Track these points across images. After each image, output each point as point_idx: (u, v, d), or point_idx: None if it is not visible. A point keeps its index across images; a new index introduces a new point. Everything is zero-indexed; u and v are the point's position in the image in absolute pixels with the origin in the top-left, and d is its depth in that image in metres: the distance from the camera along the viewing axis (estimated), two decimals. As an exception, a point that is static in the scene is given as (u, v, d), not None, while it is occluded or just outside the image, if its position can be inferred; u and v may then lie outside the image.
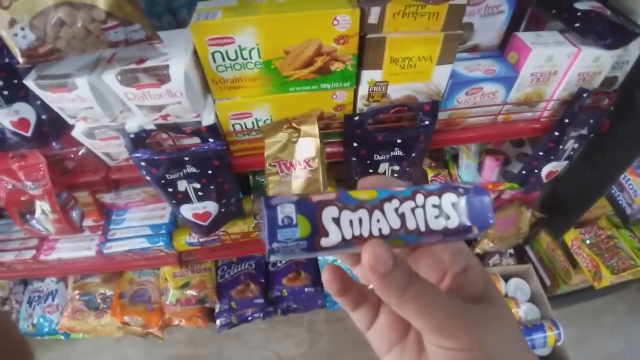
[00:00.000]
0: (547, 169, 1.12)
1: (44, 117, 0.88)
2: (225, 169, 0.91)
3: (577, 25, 0.88)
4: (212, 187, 0.93)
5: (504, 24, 0.93)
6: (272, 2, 0.72)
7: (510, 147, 1.35)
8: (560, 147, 1.05)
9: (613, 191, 1.43)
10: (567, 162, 1.12)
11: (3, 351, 0.41)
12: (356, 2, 0.70)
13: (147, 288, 1.47)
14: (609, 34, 0.85)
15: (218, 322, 1.46)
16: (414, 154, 0.93)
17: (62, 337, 1.58)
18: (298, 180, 0.89)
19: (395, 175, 0.98)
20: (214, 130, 0.83)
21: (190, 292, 1.40)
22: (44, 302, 1.58)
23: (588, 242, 1.46)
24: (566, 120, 0.99)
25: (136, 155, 0.86)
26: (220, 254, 1.30)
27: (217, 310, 1.45)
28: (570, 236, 1.47)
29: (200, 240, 1.24)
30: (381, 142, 0.90)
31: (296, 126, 0.84)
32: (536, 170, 1.13)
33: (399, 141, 0.90)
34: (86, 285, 1.50)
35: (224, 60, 0.74)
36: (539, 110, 1.01)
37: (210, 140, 0.85)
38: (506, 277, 1.48)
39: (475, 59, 0.94)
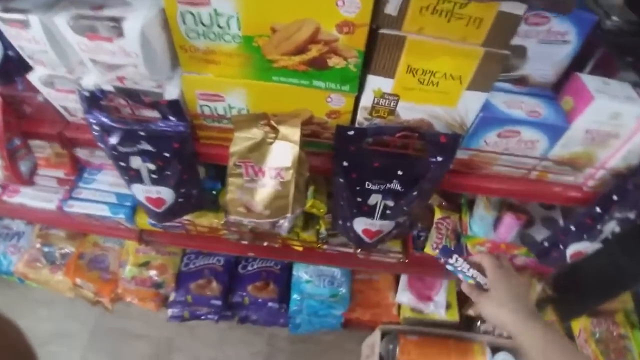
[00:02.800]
0: (575, 248, 0.89)
1: (10, 52, 0.74)
2: (186, 155, 0.73)
3: (656, 82, 0.65)
4: (168, 172, 0.75)
5: (567, 58, 0.70)
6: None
7: (537, 208, 1.10)
8: (598, 226, 0.82)
9: (644, 287, 1.17)
10: (599, 244, 0.88)
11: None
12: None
13: (109, 255, 1.33)
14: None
15: (170, 311, 1.30)
16: (415, 193, 0.72)
17: (17, 281, 1.46)
18: (264, 190, 0.70)
19: (388, 212, 0.77)
20: (177, 107, 0.66)
21: (149, 273, 1.24)
22: (9, 241, 1.46)
23: (597, 336, 1.20)
24: (614, 197, 0.76)
25: (89, 116, 0.70)
26: (183, 242, 1.13)
27: (171, 298, 1.29)
28: (580, 324, 1.22)
29: (164, 223, 1.08)
30: (378, 169, 0.69)
31: (274, 125, 0.65)
32: (561, 246, 0.90)
33: (400, 173, 0.69)
34: (50, 236, 1.36)
35: (196, 24, 0.55)
36: (584, 176, 0.77)
37: (172, 118, 0.67)
38: (494, 349, 1.25)
39: (520, 94, 0.71)
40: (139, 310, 1.49)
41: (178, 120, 0.67)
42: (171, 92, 0.65)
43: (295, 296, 1.25)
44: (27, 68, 0.75)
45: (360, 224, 0.81)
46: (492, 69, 0.58)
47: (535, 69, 0.72)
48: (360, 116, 0.66)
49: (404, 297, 1.27)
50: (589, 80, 0.67)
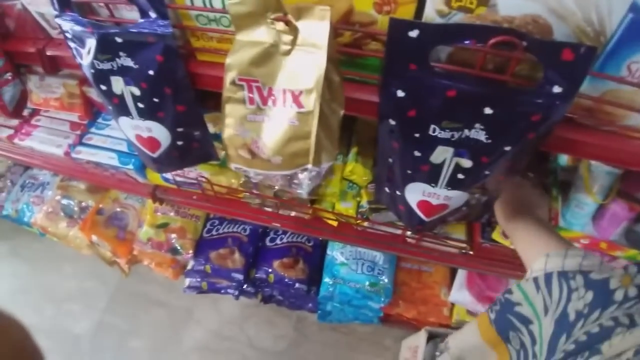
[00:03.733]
0: None
1: None
2: (176, 74, 0.52)
3: None
4: (155, 99, 0.55)
5: None
6: None
7: (659, 197, 0.77)
8: None
9: None
10: None
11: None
12: None
13: (128, 213, 1.19)
14: None
15: (187, 281, 1.14)
16: (509, 148, 0.45)
17: (38, 233, 1.38)
18: (275, 125, 0.47)
19: (460, 177, 0.51)
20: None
21: (166, 236, 1.08)
22: (33, 191, 1.38)
23: None
24: None
25: (60, 20, 0.51)
26: (199, 204, 0.94)
27: (188, 267, 1.12)
28: None
29: (176, 179, 0.89)
30: (453, 103, 0.43)
31: (292, 20, 0.41)
32: None
33: (488, 111, 0.42)
34: (70, 188, 1.25)
35: None
36: None
37: (152, 15, 0.46)
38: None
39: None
40: (162, 276, 1.37)
41: (159, 18, 0.46)
42: (149, -28, 0.44)
43: (327, 279, 1.03)
44: None
45: (415, 193, 0.55)
46: None
47: None
48: (431, 7, 0.40)
49: (460, 296, 0.99)
50: None
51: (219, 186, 0.87)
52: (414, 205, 0.58)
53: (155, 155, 0.66)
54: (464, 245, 0.82)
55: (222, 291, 1.14)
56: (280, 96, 0.45)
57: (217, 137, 0.58)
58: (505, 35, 0.38)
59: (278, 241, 1.12)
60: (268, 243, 1.13)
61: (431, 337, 0.99)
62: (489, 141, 0.45)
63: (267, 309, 1.30)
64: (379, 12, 0.41)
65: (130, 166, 0.90)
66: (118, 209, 1.19)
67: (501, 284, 1.00)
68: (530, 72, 0.41)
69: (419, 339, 0.98)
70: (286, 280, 1.05)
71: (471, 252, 0.83)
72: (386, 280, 1.01)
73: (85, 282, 1.45)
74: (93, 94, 0.98)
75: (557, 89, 0.39)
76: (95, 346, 1.33)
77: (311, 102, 0.43)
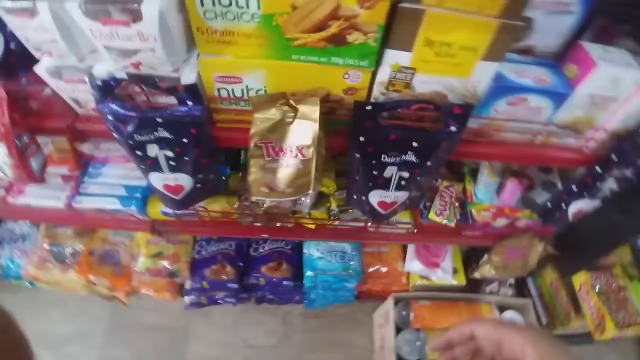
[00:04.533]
0: (576, 207, 0.93)
1: (12, 45, 0.72)
2: (204, 140, 0.74)
3: (652, 49, 0.68)
4: (186, 158, 0.76)
5: (570, 28, 0.73)
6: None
7: (536, 172, 1.15)
8: (598, 184, 0.86)
9: (638, 240, 1.23)
10: (599, 201, 0.92)
11: (4, 351, 0.41)
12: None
13: (119, 249, 1.32)
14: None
15: (187, 299, 1.32)
16: (429, 163, 0.74)
17: (28, 284, 1.45)
18: (286, 169, 0.72)
19: (403, 183, 0.79)
20: (194, 91, 0.66)
21: (162, 263, 1.25)
22: (14, 244, 1.44)
23: (597, 288, 1.27)
24: (613, 157, 0.80)
25: (102, 106, 0.69)
26: (196, 230, 1.14)
27: (187, 286, 1.30)
28: (580, 279, 1.28)
29: (177, 212, 1.08)
30: (394, 142, 0.71)
31: (294, 104, 0.65)
32: (564, 206, 0.94)
33: (415, 144, 0.71)
34: (57, 236, 1.35)
35: (214, 4, 0.55)
36: (585, 139, 0.81)
37: (189, 103, 0.67)
38: (502, 308, 1.31)
39: (527, 63, 0.74)
40: (152, 301, 1.50)
41: (195, 105, 0.68)
42: (188, 76, 0.65)
43: (309, 273, 1.28)
44: (31, 61, 0.73)
45: (375, 197, 0.83)
46: (506, 39, 0.59)
47: (541, 39, 0.74)
48: (377, 91, 0.67)
49: (413, 266, 1.31)
50: (591, 48, 0.70)
51: (214, 212, 1.08)
52: (375, 205, 0.86)
53: (178, 197, 0.86)
54: (409, 226, 1.12)
55: (220, 301, 1.33)
56: (288, 150, 0.69)
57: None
58: (421, 103, 0.67)
59: (261, 250, 1.34)
60: (253, 253, 1.34)
61: (397, 302, 1.29)
62: (418, 160, 0.74)
63: (256, 311, 1.52)
64: (346, 94, 0.68)
65: (133, 207, 1.06)
66: (108, 247, 1.32)
67: (441, 250, 1.33)
68: (437, 121, 0.70)
69: (388, 304, 1.28)
70: (274, 280, 1.28)
71: (415, 230, 1.14)
72: (356, 264, 1.30)
73: (76, 323, 1.53)
74: (84, 148, 1.12)
75: (453, 128, 0.69)
76: (101, 379, 1.44)
77: (310, 152, 0.68)
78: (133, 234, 1.34)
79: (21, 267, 1.39)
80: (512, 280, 1.44)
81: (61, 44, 0.64)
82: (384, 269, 1.35)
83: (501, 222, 1.14)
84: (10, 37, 0.70)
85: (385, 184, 0.79)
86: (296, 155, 0.69)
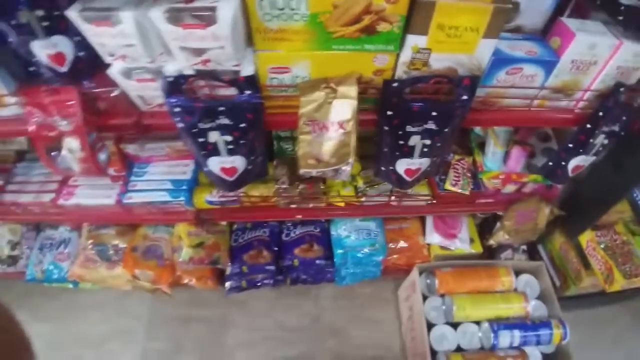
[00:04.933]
0: (575, 163, 1.11)
1: (80, 53, 0.87)
2: (258, 123, 0.91)
3: (620, 18, 0.87)
4: (243, 141, 0.93)
5: (550, 7, 0.92)
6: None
7: (537, 141, 1.33)
8: (591, 140, 1.03)
9: (635, 195, 1.41)
10: (594, 157, 1.10)
11: (6, 350, 0.42)
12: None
13: (160, 244, 1.48)
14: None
15: (228, 284, 1.47)
16: (447, 129, 0.92)
17: (71, 286, 1.60)
18: (330, 142, 0.89)
19: (425, 150, 0.97)
20: (252, 81, 0.83)
21: (204, 252, 1.40)
22: (55, 250, 1.59)
23: (603, 245, 1.44)
24: (600, 114, 0.98)
25: (171, 100, 0.86)
26: (238, 215, 1.31)
27: (228, 272, 1.46)
28: (586, 237, 1.46)
29: (221, 199, 1.25)
30: (416, 113, 0.89)
31: (334, 86, 0.83)
32: (563, 163, 1.11)
33: (434, 114, 0.89)
34: (100, 236, 1.51)
35: (271, 8, 0.73)
36: (574, 99, 0.99)
37: (247, 92, 0.85)
38: (517, 272, 1.48)
39: (518, 39, 0.92)
40: (190, 295, 1.67)
41: (253, 93, 0.85)
42: (247, 69, 0.83)
43: (339, 251, 1.45)
44: (95, 67, 0.88)
45: (402, 165, 1.01)
46: (500, 19, 0.77)
47: (527, 19, 0.93)
48: (400, 70, 0.85)
49: (433, 238, 1.49)
50: (569, 22, 0.89)
51: (254, 197, 1.25)
52: (402, 173, 1.03)
53: (232, 178, 1.03)
54: (428, 197, 1.30)
55: (259, 284, 1.49)
56: (331, 125, 0.87)
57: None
58: (437, 77, 0.85)
59: (292, 234, 1.51)
60: (285, 238, 1.51)
61: (422, 272, 1.46)
62: (437, 128, 0.92)
63: (289, 296, 1.68)
64: (375, 75, 0.86)
65: (182, 198, 1.23)
66: (149, 243, 1.48)
67: (457, 222, 1.51)
68: (450, 93, 0.88)
69: (413, 275, 1.44)
70: (308, 260, 1.45)
71: (434, 201, 1.31)
72: (381, 239, 1.47)
73: (115, 321, 1.68)
74: (130, 149, 1.29)
75: (465, 97, 0.87)
76: (146, 373, 1.58)
77: (350, 126, 0.86)
78: (172, 230, 1.51)
79: (64, 270, 1.55)
80: (524, 247, 1.61)
81: (139, 47, 0.80)
82: (406, 244, 1.52)
83: (510, 187, 1.32)
84: (78, 46, 0.85)
85: (410, 152, 0.97)
86: (338, 129, 0.87)
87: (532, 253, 1.67)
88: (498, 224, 1.43)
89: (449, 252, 1.50)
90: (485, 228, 1.58)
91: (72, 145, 0.97)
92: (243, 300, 1.65)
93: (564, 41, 0.89)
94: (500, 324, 1.34)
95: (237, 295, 1.55)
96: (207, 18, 0.73)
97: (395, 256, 1.51)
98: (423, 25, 0.77)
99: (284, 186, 1.21)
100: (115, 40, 0.79)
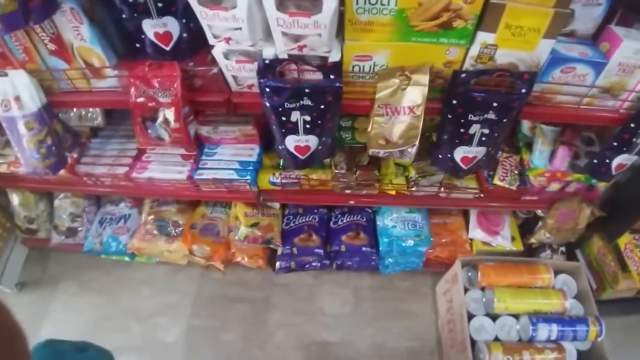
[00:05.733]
0: (618, 161, 1.23)
1: (185, 34, 1.01)
2: (335, 106, 1.07)
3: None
4: (319, 121, 1.09)
5: (600, 16, 1.07)
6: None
7: (581, 144, 1.46)
8: (634, 139, 1.16)
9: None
10: (637, 156, 1.22)
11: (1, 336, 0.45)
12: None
13: (217, 223, 1.65)
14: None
15: (278, 264, 1.62)
16: (505, 120, 1.06)
17: (127, 258, 1.77)
18: (400, 125, 1.05)
19: (483, 139, 1.11)
20: (338, 67, 1.00)
21: (259, 232, 1.56)
22: (115, 224, 1.77)
23: (640, 248, 1.55)
24: (644, 114, 1.11)
25: (264, 80, 1.02)
26: (297, 197, 1.46)
27: (279, 252, 1.61)
28: (624, 240, 1.56)
29: (283, 181, 1.41)
30: (479, 103, 1.03)
31: (408, 74, 0.99)
32: (607, 161, 1.24)
33: (495, 104, 1.03)
34: (161, 212, 1.68)
35: (364, 3, 0.90)
36: (620, 100, 1.13)
37: (331, 76, 1.01)
38: (556, 272, 1.58)
39: (571, 42, 1.07)
40: (236, 276, 1.82)
41: (336, 77, 1.02)
42: (335, 56, 0.99)
43: (385, 239, 1.59)
44: (194, 48, 1.03)
45: (460, 153, 1.15)
46: (559, 22, 0.92)
47: (580, 24, 1.08)
48: (468, 63, 1.00)
49: (476, 233, 1.62)
50: (617, 29, 1.04)
51: (313, 180, 1.41)
52: (459, 160, 1.18)
53: (303, 157, 1.19)
54: (477, 190, 1.44)
55: (307, 266, 1.63)
56: (402, 110, 1.02)
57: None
58: (500, 71, 1.00)
59: (340, 222, 1.66)
60: (333, 225, 1.66)
61: (464, 265, 1.58)
62: (497, 118, 1.06)
63: (328, 284, 1.81)
64: (445, 67, 1.02)
65: (248, 177, 1.40)
66: (207, 222, 1.65)
67: (499, 220, 1.64)
68: (510, 86, 1.03)
69: (456, 267, 1.57)
70: (355, 247, 1.59)
71: (482, 195, 1.45)
72: (426, 231, 1.60)
73: (165, 297, 1.84)
74: (202, 130, 1.46)
75: (523, 90, 1.02)
76: (191, 346, 1.72)
77: (420, 110, 1.02)
78: (228, 211, 1.67)
79: (122, 243, 1.72)
80: (562, 249, 1.72)
81: (245, 31, 0.95)
82: (449, 238, 1.65)
83: (554, 186, 1.45)
84: (184, 27, 0.98)
85: (469, 140, 1.12)
86: (408, 113, 1.03)
87: (570, 256, 1.78)
88: (540, 223, 1.55)
89: (490, 248, 1.63)
90: (526, 229, 1.70)
91: (168, 116, 1.13)
92: (286, 284, 1.79)
93: (612, 46, 1.03)
94: (539, 317, 1.44)
95: (280, 280, 1.69)
96: (312, 7, 0.89)
97: (438, 249, 1.64)
98: (493, 24, 0.92)
99: (342, 171, 1.36)
100: (225, 23, 0.91)
